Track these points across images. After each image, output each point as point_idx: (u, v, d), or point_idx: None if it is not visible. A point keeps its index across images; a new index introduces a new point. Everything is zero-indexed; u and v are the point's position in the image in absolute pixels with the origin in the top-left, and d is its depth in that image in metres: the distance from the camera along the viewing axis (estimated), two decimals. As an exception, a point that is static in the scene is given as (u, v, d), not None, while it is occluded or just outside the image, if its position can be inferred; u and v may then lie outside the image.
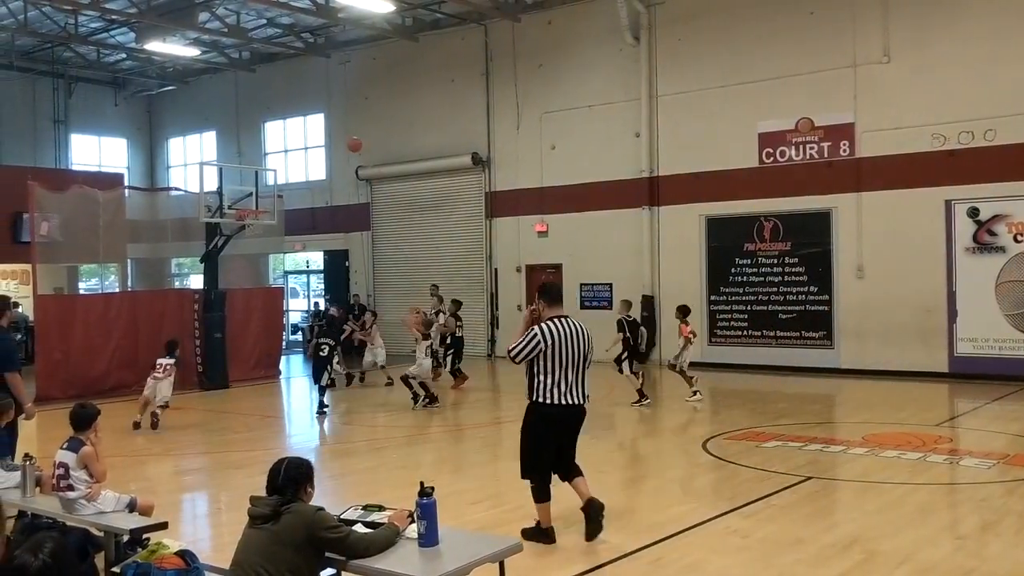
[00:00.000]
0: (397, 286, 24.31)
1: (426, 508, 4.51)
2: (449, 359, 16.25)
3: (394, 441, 12.56)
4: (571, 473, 7.14)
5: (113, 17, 22.33)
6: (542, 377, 6.88)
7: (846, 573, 6.26)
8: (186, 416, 14.86)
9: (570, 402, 6.95)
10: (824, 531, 7.35)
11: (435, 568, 4.25)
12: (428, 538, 4.50)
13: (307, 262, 28.23)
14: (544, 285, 7.39)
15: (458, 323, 16.47)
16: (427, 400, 14.35)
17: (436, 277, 23.06)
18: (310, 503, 4.51)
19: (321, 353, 14.86)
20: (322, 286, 27.28)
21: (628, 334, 14.68)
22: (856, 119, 17.63)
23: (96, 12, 21.30)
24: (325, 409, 14.31)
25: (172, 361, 13.63)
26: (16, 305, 20.16)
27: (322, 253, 26.89)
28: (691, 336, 14.90)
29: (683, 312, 15.08)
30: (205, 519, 8.89)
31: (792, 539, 7.03)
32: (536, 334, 6.87)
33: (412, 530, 4.62)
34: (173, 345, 13.94)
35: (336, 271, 26.16)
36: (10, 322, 9.40)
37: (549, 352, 6.83)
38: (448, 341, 16.49)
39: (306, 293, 28.56)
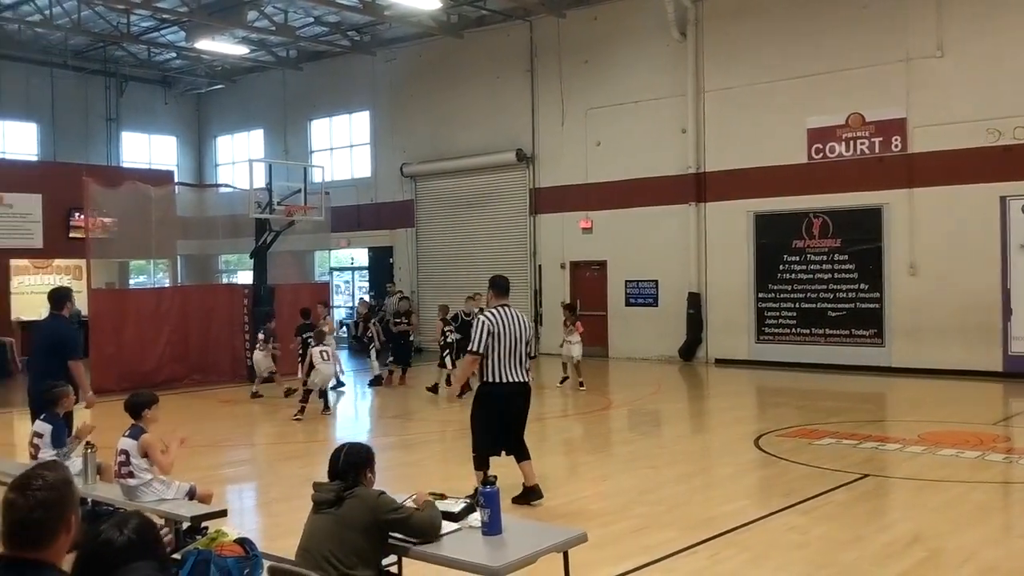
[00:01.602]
0: (441, 283, 24.35)
1: (489, 497, 4.49)
2: (448, 359, 16.00)
3: (438, 435, 12.61)
4: (521, 455, 7.84)
5: (164, 16, 22.66)
6: (491, 359, 7.63)
7: (909, 571, 6.15)
8: (235, 408, 15.06)
9: (517, 379, 7.72)
10: (884, 529, 7.24)
11: (501, 556, 4.23)
12: (492, 527, 4.48)
13: (351, 259, 28.40)
14: (494, 278, 8.11)
15: (447, 327, 16.14)
16: (323, 408, 14.03)
17: (480, 274, 22.98)
18: (372, 486, 4.53)
19: (310, 347, 14.80)
20: (367, 283, 27.42)
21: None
22: (908, 114, 17.33)
23: (148, 11, 21.62)
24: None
25: (261, 336, 15.72)
26: (70, 300, 20.50)
27: (367, 250, 27.04)
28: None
29: (573, 310, 16.58)
30: (256, 510, 8.95)
31: (852, 536, 6.92)
32: (483, 320, 7.71)
33: (475, 518, 4.61)
34: (264, 317, 16.17)
35: (380, 268, 26.28)
36: (70, 313, 9.59)
37: (497, 333, 7.61)
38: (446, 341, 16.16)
39: (350, 290, 28.72)
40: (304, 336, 15.34)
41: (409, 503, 4.68)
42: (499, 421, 7.75)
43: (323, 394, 14.11)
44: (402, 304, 17.50)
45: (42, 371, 8.66)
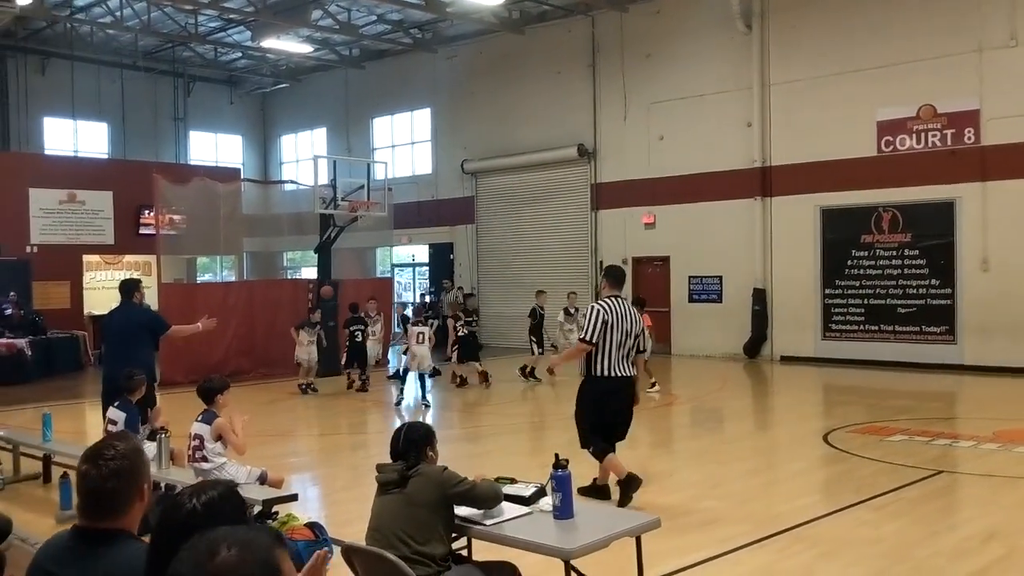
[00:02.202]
0: (501, 279, 24.39)
1: (561, 480, 4.46)
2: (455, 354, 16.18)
3: (504, 428, 12.62)
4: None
5: (231, 16, 23.04)
6: (599, 351, 7.34)
7: (987, 568, 5.99)
8: (299, 400, 15.25)
9: (622, 374, 7.43)
10: (959, 525, 7.07)
11: (573, 539, 4.20)
12: (563, 510, 4.45)
13: (412, 256, 28.57)
14: (608, 267, 7.93)
15: (467, 318, 16.34)
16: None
17: (540, 270, 23.13)
18: (435, 464, 4.53)
19: (356, 340, 15.73)
20: (427, 281, 27.56)
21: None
22: (981, 105, 16.85)
23: (215, 11, 22.01)
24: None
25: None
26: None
27: (427, 246, 27.18)
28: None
29: (641, 305, 15.48)
30: (321, 498, 9.04)
31: (927, 532, 6.76)
32: (597, 309, 7.38)
33: (546, 503, 4.59)
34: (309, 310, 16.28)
35: (441, 264, 26.40)
36: (139, 303, 9.94)
37: (610, 323, 7.31)
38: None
39: (412, 286, 28.88)
40: (351, 329, 15.93)
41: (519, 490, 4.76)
42: (601, 415, 7.48)
43: (404, 378, 14.48)
44: (471, 302, 17.38)
45: (117, 358, 8.94)
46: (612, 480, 7.66)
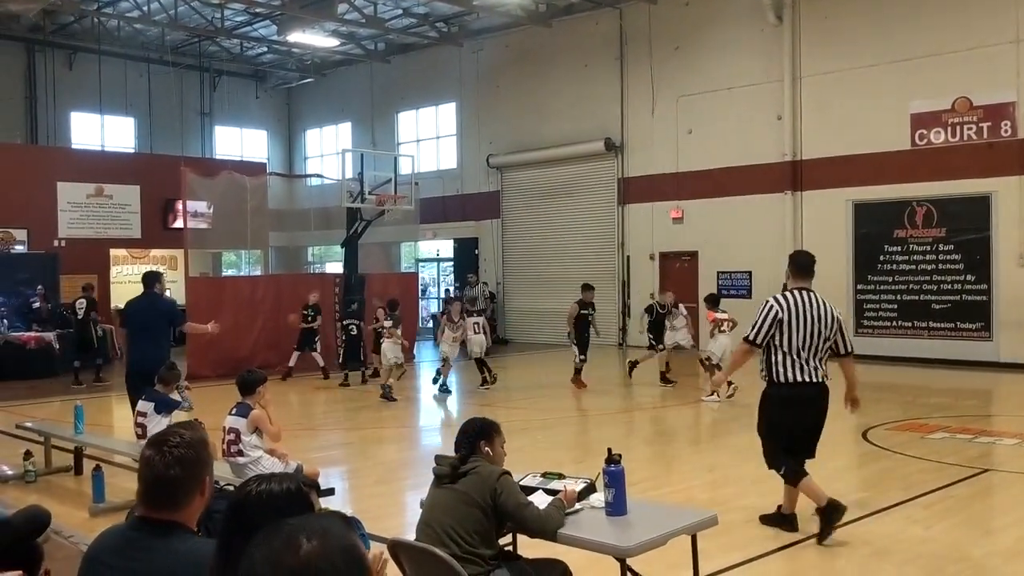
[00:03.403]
0: (526, 274, 24.25)
1: (614, 476, 4.30)
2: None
3: (534, 423, 12.46)
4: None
5: (257, 11, 23.01)
6: (777, 353, 6.31)
7: (1048, 568, 5.79)
8: (329, 394, 15.18)
9: (807, 379, 6.33)
10: (1014, 524, 6.85)
11: (629, 537, 4.04)
12: (616, 507, 4.29)
13: (436, 251, 28.48)
14: (794, 254, 6.84)
15: (582, 310, 15.95)
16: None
17: (566, 265, 22.97)
18: (499, 464, 4.32)
19: (351, 333, 16.14)
20: (451, 276, 27.46)
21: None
22: (1019, 98, 16.54)
23: (242, 4, 21.97)
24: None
25: (389, 323, 14.69)
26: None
27: (452, 241, 27.06)
28: (726, 325, 13.85)
29: (714, 301, 14.62)
30: (352, 492, 8.92)
31: (980, 531, 6.58)
32: (771, 304, 6.32)
33: (597, 498, 4.43)
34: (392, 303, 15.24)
35: (465, 259, 26.27)
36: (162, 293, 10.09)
37: (788, 322, 6.23)
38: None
39: (436, 281, 28.80)
40: (346, 323, 16.31)
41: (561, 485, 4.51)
42: (785, 428, 6.47)
43: (480, 364, 15.01)
44: (587, 294, 16.57)
45: (142, 345, 9.05)
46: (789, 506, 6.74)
